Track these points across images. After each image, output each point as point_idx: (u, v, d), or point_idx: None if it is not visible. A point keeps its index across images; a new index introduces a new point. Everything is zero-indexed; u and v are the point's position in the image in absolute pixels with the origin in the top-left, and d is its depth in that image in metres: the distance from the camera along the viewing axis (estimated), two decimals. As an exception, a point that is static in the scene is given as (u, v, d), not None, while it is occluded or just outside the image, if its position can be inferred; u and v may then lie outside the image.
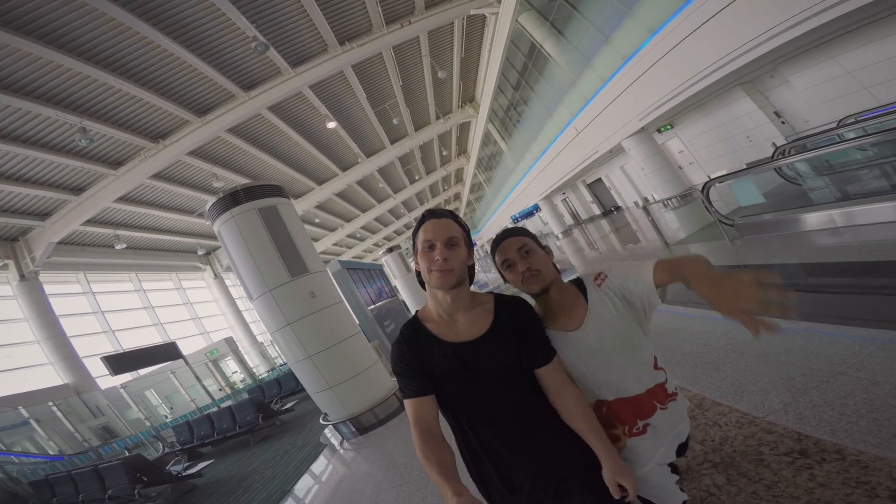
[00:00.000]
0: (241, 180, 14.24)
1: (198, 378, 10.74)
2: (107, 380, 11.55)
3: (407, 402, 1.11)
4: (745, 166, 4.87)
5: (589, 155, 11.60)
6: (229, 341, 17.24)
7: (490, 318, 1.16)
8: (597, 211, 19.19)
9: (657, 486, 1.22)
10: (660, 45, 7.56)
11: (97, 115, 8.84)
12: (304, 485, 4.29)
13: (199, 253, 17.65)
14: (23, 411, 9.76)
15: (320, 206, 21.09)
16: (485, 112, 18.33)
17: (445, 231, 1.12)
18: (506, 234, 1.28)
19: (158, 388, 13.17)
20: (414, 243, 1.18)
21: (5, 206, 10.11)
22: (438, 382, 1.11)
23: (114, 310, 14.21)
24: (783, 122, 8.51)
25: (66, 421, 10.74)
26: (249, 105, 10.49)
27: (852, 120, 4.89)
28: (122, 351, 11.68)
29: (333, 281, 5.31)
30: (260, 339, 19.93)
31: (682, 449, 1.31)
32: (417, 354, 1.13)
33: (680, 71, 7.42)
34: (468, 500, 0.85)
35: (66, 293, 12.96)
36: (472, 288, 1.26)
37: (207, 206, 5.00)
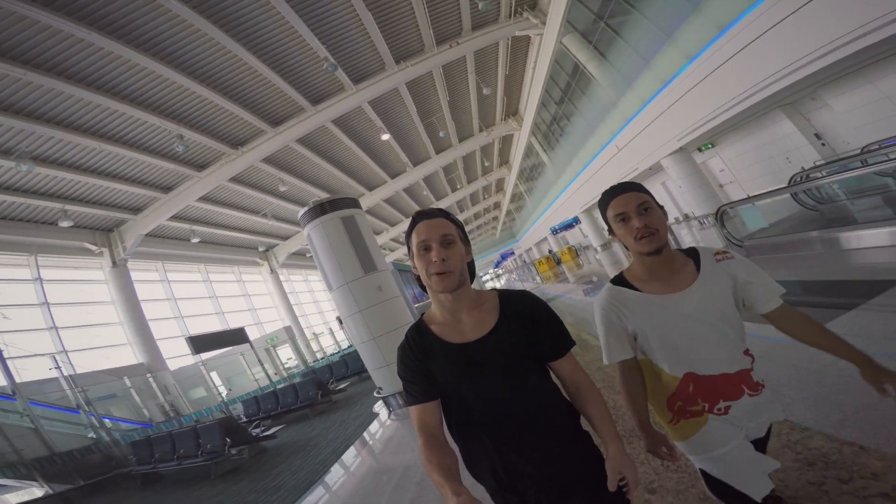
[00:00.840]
0: (302, 185, 15.80)
1: (260, 362, 12.16)
2: (173, 362, 13.26)
3: (411, 409, 1.11)
4: (748, 195, 5.31)
5: (629, 171, 11.99)
6: (287, 330, 19.02)
7: (495, 315, 1.14)
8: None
9: (733, 466, 1.20)
10: (697, 71, 7.99)
11: (190, 122, 10.29)
12: (361, 443, 5.18)
13: (260, 249, 19.47)
14: (126, 381, 11.28)
15: (369, 211, 22.56)
16: (528, 126, 18.94)
17: (439, 229, 1.10)
18: (624, 188, 1.23)
19: (220, 370, 14.72)
20: (408, 247, 1.16)
21: (106, 201, 11.93)
22: (443, 387, 1.10)
23: (183, 297, 16.08)
24: (823, 144, 8.58)
25: (138, 398, 12.16)
26: (316, 118, 11.81)
27: (876, 146, 5.19)
28: (201, 333, 13.18)
29: (393, 279, 6.23)
30: (307, 332, 21.55)
31: (759, 444, 1.28)
32: (421, 359, 1.12)
33: (716, 96, 7.82)
34: (467, 499, 0.84)
35: (146, 280, 14.83)
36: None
37: (300, 214, 6.11)
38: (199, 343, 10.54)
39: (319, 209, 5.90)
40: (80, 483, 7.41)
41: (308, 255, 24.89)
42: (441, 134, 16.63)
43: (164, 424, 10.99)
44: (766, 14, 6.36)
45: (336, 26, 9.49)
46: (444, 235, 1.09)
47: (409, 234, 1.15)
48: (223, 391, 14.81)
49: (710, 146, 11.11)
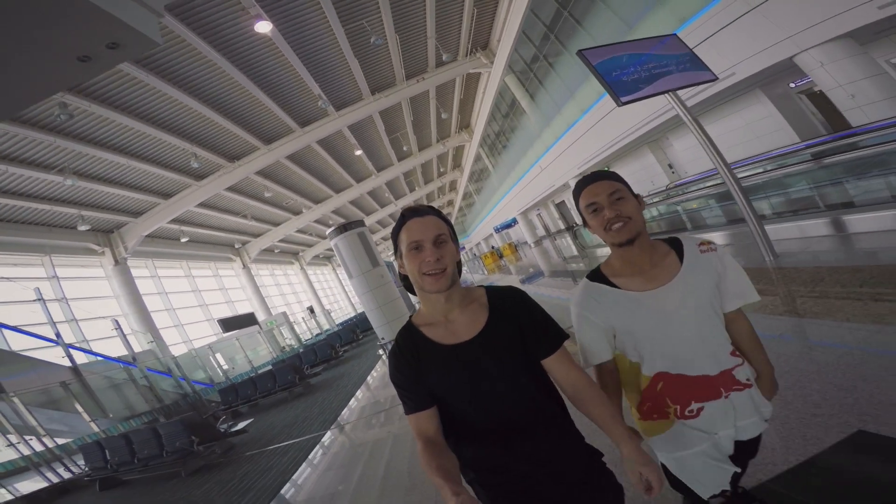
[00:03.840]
0: (282, 191, 17.99)
1: (265, 341, 14.80)
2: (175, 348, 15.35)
3: (408, 418, 1.08)
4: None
5: (548, 188, 15.76)
6: (284, 315, 22.14)
7: (486, 312, 1.11)
8: (562, 226, 23.33)
9: (690, 468, 1.19)
10: (588, 120, 11.65)
11: (197, 139, 12.19)
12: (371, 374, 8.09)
13: (235, 246, 21.29)
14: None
15: (335, 212, 24.85)
16: (477, 138, 22.24)
17: (432, 229, 1.05)
18: (596, 176, 1.16)
19: (224, 351, 16.90)
20: (396, 246, 1.11)
21: (113, 206, 13.57)
22: (439, 390, 1.07)
23: (172, 291, 17.84)
24: (673, 172, 12.64)
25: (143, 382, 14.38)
26: (303, 138, 14.21)
27: (673, 185, 8.93)
28: (227, 316, 16.34)
29: (388, 270, 9.30)
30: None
31: (748, 451, 1.25)
32: (415, 365, 1.08)
33: (602, 137, 11.53)
34: (467, 499, 0.81)
35: (139, 277, 16.40)
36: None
37: (328, 232, 9.06)
38: (228, 324, 13.54)
39: (343, 228, 8.87)
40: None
41: (277, 251, 26.72)
42: (405, 148, 19.46)
43: (232, 379, 14.40)
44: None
45: (324, 61, 11.46)
46: (437, 235, 1.04)
47: (397, 231, 1.10)
48: (220, 373, 16.68)
49: (606, 168, 15.02)
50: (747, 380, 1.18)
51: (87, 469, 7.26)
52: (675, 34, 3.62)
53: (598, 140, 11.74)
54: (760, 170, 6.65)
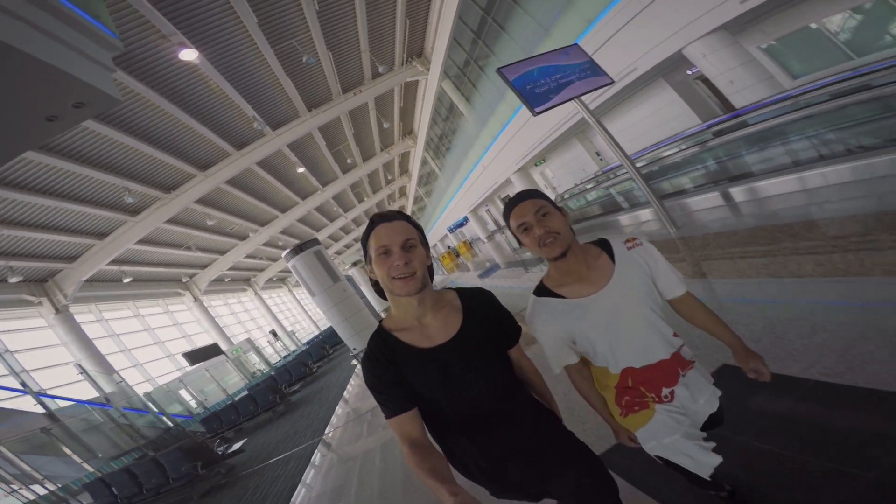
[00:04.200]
0: (227, 218, 17.39)
1: (237, 368, 14.45)
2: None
3: (391, 422, 1.06)
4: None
5: (492, 185, 16.55)
6: (248, 341, 21.89)
7: (460, 314, 1.15)
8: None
9: (685, 453, 1.23)
10: (519, 120, 12.44)
11: (129, 174, 11.54)
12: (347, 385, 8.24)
13: (183, 280, 20.22)
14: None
15: (283, 231, 24.21)
16: (422, 143, 22.50)
17: (400, 234, 1.07)
18: (521, 197, 1.23)
19: (195, 383, 16.49)
20: (365, 251, 1.12)
21: (42, 252, 12.56)
22: (419, 393, 1.07)
23: (124, 333, 16.70)
24: (601, 159, 13.81)
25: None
26: (241, 161, 13.87)
27: (601, 171, 9.87)
28: (192, 349, 16.33)
29: (348, 284, 9.44)
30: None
31: (715, 421, 1.31)
32: (391, 368, 1.08)
33: (530, 136, 12.35)
34: (465, 498, 0.83)
35: (84, 322, 15.26)
36: None
37: (283, 254, 9.02)
38: (193, 356, 13.17)
39: (299, 248, 8.92)
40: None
41: (227, 280, 25.58)
42: (349, 160, 19.46)
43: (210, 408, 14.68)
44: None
45: (256, 83, 11.35)
46: (405, 240, 1.06)
47: (366, 237, 1.11)
48: (194, 405, 16.28)
49: (542, 161, 16.04)
50: (691, 357, 1.28)
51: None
52: (576, 44, 4.20)
53: (528, 138, 12.57)
54: (669, 152, 7.60)
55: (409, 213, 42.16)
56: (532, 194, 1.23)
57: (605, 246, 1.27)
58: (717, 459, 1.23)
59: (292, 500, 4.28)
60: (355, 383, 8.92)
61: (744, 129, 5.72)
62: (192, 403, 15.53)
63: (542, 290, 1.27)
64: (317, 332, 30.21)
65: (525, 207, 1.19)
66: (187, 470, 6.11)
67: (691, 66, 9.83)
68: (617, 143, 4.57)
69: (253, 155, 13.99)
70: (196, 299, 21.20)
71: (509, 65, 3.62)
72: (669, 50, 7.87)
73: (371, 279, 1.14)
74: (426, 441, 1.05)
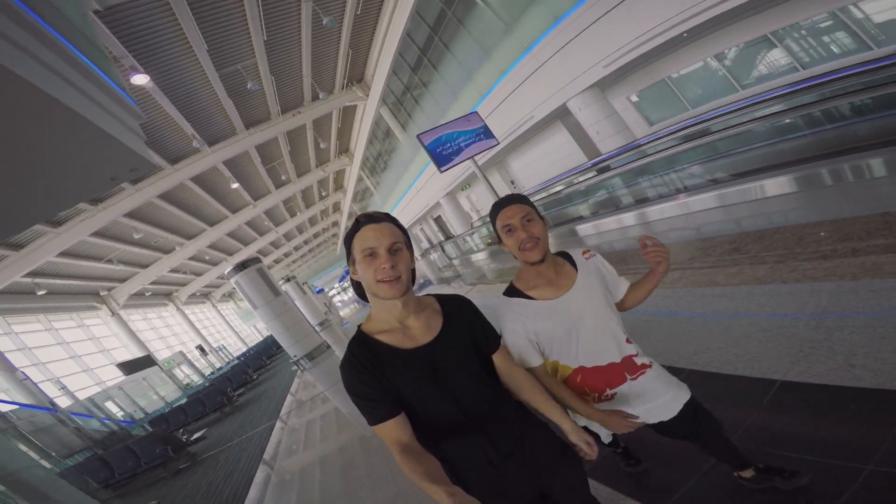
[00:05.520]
0: (153, 231, 16.94)
1: (172, 379, 14.62)
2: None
3: (378, 428, 1.04)
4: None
5: (426, 206, 18.23)
6: (182, 353, 22.12)
7: (440, 317, 1.17)
8: (442, 237, 26.31)
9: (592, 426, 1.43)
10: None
11: None
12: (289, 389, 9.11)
13: (101, 294, 19.05)
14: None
15: (211, 246, 23.59)
16: (358, 162, 23.33)
17: (387, 236, 1.06)
18: (510, 200, 1.31)
19: (133, 391, 16.70)
20: (349, 252, 1.10)
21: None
22: (405, 395, 1.07)
23: (37, 346, 15.57)
24: (515, 187, 16.12)
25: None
26: (175, 176, 13.96)
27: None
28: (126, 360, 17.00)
29: (287, 297, 10.25)
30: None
31: (668, 430, 1.40)
32: (376, 373, 1.06)
33: (449, 172, 14.16)
34: (462, 499, 0.84)
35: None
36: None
37: (226, 271, 9.50)
38: (128, 367, 14.62)
39: (242, 265, 9.58)
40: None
41: (148, 294, 24.13)
42: (283, 177, 19.88)
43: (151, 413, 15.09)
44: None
45: (197, 102, 11.80)
46: (392, 243, 1.06)
47: (350, 237, 1.10)
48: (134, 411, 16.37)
49: (468, 187, 18.08)
50: (644, 363, 1.36)
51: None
52: (474, 111, 5.86)
53: (449, 172, 14.38)
54: (560, 187, 9.71)
55: (342, 227, 42.54)
56: (520, 199, 1.31)
57: (566, 256, 1.40)
58: (609, 434, 1.49)
59: (263, 457, 5.25)
60: (299, 382, 9.76)
61: (605, 172, 7.89)
62: (133, 410, 16.05)
63: (512, 292, 1.36)
64: (245, 349, 29.45)
65: (512, 210, 1.28)
66: (161, 452, 7.11)
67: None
68: (496, 193, 6.24)
69: (187, 171, 14.14)
70: (114, 313, 19.98)
71: (426, 131, 5.12)
72: (556, 103, 10.08)
73: (352, 280, 1.14)
74: (416, 444, 1.04)
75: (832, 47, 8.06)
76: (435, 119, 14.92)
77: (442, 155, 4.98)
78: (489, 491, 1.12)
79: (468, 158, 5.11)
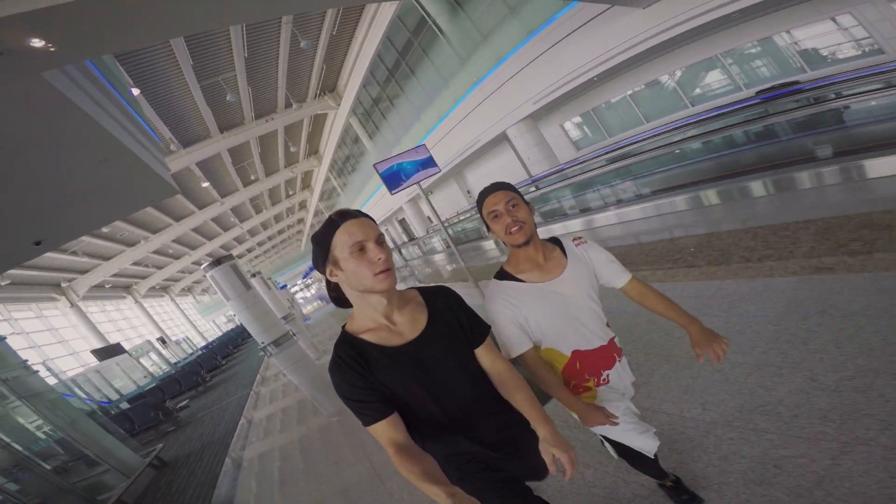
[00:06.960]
0: (119, 224, 17.36)
1: (140, 364, 15.59)
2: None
3: (372, 429, 1.03)
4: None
5: (390, 209, 19.83)
6: (150, 343, 23.07)
7: (424, 310, 1.16)
8: (406, 238, 27.80)
9: (625, 428, 1.37)
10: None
11: None
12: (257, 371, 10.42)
13: (62, 285, 19.13)
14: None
15: (175, 240, 23.85)
16: (326, 165, 24.41)
17: (373, 229, 1.05)
18: (495, 187, 1.33)
19: (109, 374, 17.35)
20: (328, 250, 1.04)
21: None
22: (397, 394, 1.06)
23: None
24: (470, 196, 17.97)
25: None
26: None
27: (470, 207, 13.68)
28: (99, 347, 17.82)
29: (258, 289, 11.52)
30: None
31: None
32: (364, 373, 1.04)
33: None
34: (462, 499, 0.85)
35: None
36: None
37: (203, 266, 10.47)
38: (101, 353, 15.90)
39: (217, 262, 10.66)
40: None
41: (108, 286, 24.02)
42: (252, 177, 20.69)
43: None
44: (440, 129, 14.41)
45: (177, 108, 12.65)
46: (379, 234, 1.05)
47: (328, 236, 1.04)
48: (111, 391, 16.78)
49: (431, 193, 19.76)
50: (619, 346, 1.45)
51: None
52: (422, 144, 7.48)
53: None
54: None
55: (308, 225, 43.06)
56: (504, 186, 1.34)
57: (557, 243, 1.44)
58: (657, 442, 1.41)
59: (237, 428, 6.53)
60: (269, 360, 11.10)
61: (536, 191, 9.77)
62: (110, 391, 17.04)
63: (502, 275, 1.38)
64: (205, 343, 29.89)
65: (497, 197, 1.31)
66: (154, 415, 8.60)
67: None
68: (435, 210, 7.73)
69: (161, 168, 14.88)
70: (73, 304, 20.07)
71: (381, 161, 6.68)
72: (498, 130, 12.01)
73: (329, 282, 1.09)
74: (411, 443, 1.03)
75: (714, 85, 10.42)
76: (399, 133, 16.52)
77: (393, 180, 6.58)
78: (485, 486, 1.12)
79: (415, 184, 6.74)
